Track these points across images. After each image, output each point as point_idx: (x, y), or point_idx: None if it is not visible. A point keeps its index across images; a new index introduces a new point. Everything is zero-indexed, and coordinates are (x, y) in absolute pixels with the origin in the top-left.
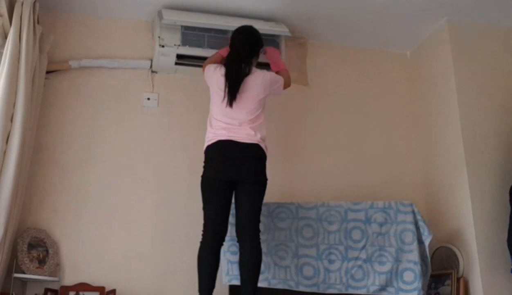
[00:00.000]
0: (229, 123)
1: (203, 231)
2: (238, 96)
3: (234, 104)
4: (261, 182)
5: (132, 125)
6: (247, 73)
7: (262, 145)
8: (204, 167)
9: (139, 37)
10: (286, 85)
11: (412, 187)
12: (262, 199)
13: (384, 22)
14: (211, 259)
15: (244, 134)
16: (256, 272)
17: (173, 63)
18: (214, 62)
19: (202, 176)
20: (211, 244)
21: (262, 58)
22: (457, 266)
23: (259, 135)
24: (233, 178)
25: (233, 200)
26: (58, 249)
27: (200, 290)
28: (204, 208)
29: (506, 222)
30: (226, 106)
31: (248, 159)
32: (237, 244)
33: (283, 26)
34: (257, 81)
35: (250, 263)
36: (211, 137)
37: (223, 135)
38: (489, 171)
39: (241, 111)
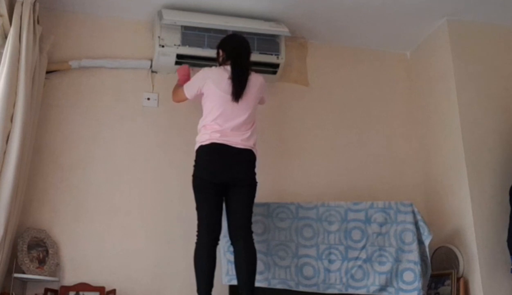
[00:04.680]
0: (224, 127)
1: (198, 231)
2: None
3: (237, 105)
4: (253, 185)
5: (132, 125)
6: (249, 74)
7: (254, 151)
8: (196, 166)
9: (139, 37)
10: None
11: (412, 187)
12: (253, 201)
13: (384, 22)
14: (208, 258)
15: (238, 139)
16: (253, 272)
17: (173, 63)
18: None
19: (194, 175)
20: (206, 243)
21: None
22: (457, 266)
23: (252, 141)
24: (226, 181)
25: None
26: (58, 249)
27: (198, 290)
28: (198, 208)
29: (506, 222)
30: (230, 102)
31: (241, 163)
32: None
33: (283, 26)
34: (256, 82)
35: (246, 263)
36: (205, 138)
37: (217, 138)
38: (489, 171)
39: (241, 112)
